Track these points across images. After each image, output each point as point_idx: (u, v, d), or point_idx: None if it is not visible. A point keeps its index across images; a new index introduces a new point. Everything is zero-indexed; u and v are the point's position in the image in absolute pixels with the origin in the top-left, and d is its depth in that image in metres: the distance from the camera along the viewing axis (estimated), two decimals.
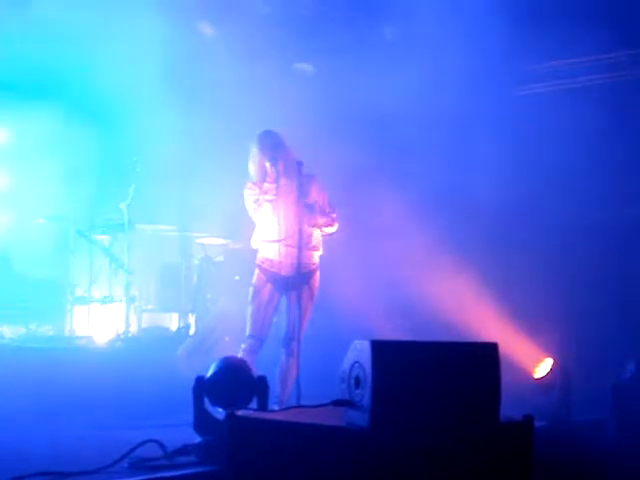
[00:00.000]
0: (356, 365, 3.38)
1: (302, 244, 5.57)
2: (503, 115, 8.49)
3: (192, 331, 7.95)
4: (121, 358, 7.11)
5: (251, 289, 5.82)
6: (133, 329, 8.15)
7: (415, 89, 7.95)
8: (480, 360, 3.54)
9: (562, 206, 8.46)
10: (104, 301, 8.34)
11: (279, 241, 5.71)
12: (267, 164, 5.75)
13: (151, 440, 4.36)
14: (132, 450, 4.20)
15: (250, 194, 5.82)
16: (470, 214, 8.78)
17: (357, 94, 8.13)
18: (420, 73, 8.01)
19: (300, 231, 5.57)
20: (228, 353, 5.59)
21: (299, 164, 5.65)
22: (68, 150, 9.57)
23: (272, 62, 8.27)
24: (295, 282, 5.66)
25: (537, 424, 3.91)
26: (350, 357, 3.43)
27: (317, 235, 5.86)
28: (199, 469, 4.09)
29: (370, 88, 8.14)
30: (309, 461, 3.33)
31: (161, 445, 4.35)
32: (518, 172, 8.47)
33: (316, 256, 5.85)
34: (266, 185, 5.77)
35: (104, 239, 8.51)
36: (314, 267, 5.82)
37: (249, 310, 5.79)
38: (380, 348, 3.30)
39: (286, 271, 5.69)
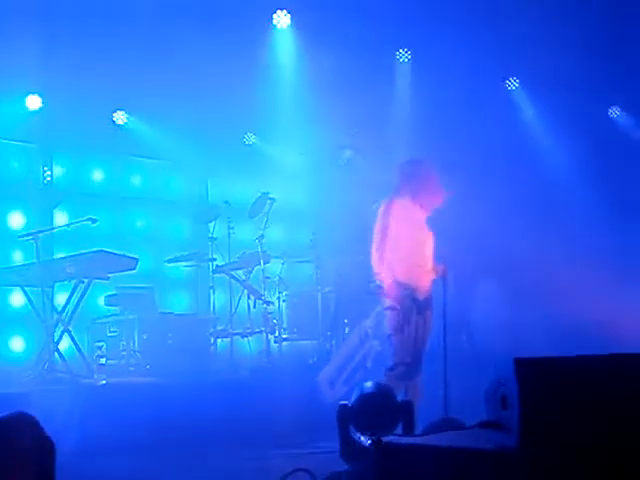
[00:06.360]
0: (501, 384, 3.27)
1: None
2: None
3: (332, 358, 7.97)
4: (263, 387, 7.21)
5: (397, 314, 5.67)
6: (274, 358, 8.25)
7: None
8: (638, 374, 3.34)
9: None
10: (245, 333, 8.50)
11: (423, 266, 5.76)
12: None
13: (300, 469, 4.39)
14: (283, 479, 4.23)
15: (418, 213, 5.83)
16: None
17: None
18: None
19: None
20: (369, 379, 5.58)
21: None
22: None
23: None
24: (428, 304, 5.77)
25: None
26: (495, 376, 3.32)
27: None
28: None
29: None
30: None
31: (310, 474, 4.37)
32: None
33: None
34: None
35: (241, 273, 8.70)
36: None
37: (399, 336, 5.65)
38: (525, 366, 3.17)
39: (423, 295, 5.74)
